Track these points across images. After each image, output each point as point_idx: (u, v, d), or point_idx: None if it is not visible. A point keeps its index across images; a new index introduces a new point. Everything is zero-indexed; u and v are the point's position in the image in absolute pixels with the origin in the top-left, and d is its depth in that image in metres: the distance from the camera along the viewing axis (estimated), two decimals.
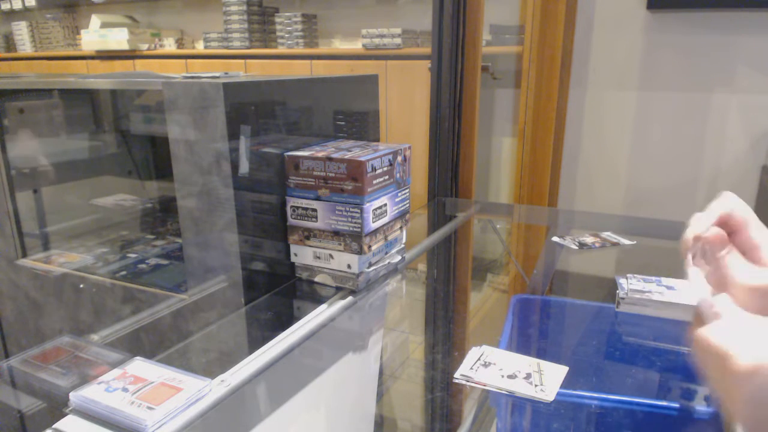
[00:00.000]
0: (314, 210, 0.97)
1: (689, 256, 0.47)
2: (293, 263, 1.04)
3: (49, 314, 1.27)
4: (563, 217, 1.80)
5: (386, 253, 1.04)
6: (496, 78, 2.51)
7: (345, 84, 1.19)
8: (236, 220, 0.91)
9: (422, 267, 1.30)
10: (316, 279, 1.02)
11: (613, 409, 0.75)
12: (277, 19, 3.06)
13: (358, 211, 0.92)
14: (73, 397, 0.66)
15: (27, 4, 4.05)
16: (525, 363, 0.81)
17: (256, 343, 0.83)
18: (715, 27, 2.05)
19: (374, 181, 0.94)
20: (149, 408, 0.63)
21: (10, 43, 4.37)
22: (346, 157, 0.92)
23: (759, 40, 1.99)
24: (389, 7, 2.95)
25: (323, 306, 0.94)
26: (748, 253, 0.47)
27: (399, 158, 1.01)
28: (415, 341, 1.08)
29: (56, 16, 4.11)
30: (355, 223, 0.93)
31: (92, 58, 3.64)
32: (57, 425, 0.63)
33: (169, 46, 3.49)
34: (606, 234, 1.39)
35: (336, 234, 0.96)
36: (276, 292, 1.01)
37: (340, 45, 3.18)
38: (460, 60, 1.65)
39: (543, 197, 2.19)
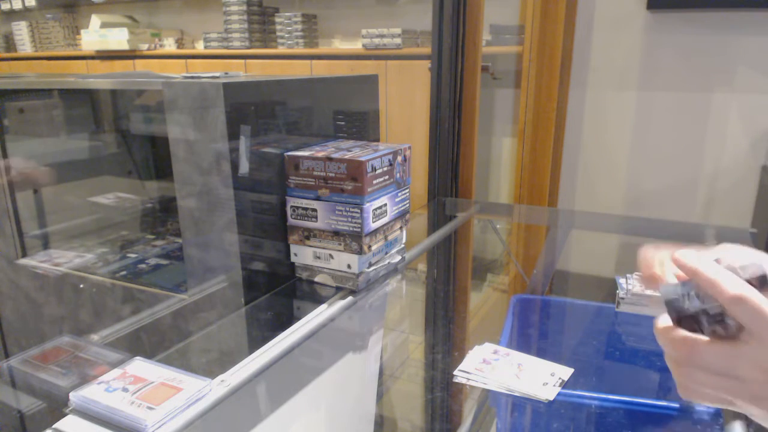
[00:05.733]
0: (314, 210, 0.96)
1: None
2: (293, 263, 1.04)
3: (49, 314, 1.27)
4: (563, 217, 1.80)
5: (386, 253, 1.04)
6: (496, 78, 2.51)
7: (345, 84, 1.18)
8: (236, 220, 0.91)
9: (422, 267, 1.30)
10: (316, 279, 1.02)
11: (613, 409, 0.75)
12: (277, 19, 3.06)
13: (358, 211, 0.92)
14: (73, 397, 0.66)
15: (27, 4, 4.05)
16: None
17: (256, 343, 0.83)
18: (715, 27, 2.04)
19: (374, 181, 0.94)
20: (149, 408, 0.63)
21: (10, 43, 4.36)
22: (346, 157, 0.92)
23: (759, 40, 1.99)
24: (389, 7, 2.95)
25: (323, 306, 0.94)
26: None
27: (399, 158, 1.01)
28: (415, 341, 1.08)
29: (56, 16, 4.10)
30: (355, 223, 0.93)
31: (92, 58, 3.63)
32: (57, 425, 0.63)
33: (169, 46, 3.49)
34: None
35: (336, 234, 0.96)
36: (276, 292, 1.01)
37: (340, 45, 3.18)
38: (460, 60, 1.65)
39: (543, 197, 2.19)
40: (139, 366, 0.72)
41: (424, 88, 2.36)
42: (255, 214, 0.95)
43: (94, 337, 1.07)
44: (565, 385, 0.76)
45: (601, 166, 2.37)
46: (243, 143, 0.91)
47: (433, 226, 1.52)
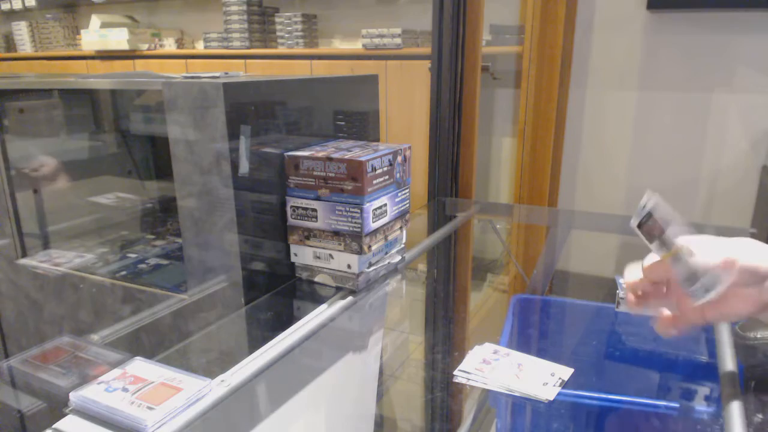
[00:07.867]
0: (314, 210, 0.97)
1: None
2: (293, 263, 1.04)
3: (49, 314, 1.27)
4: (563, 217, 1.80)
5: (386, 253, 1.04)
6: (496, 78, 2.51)
7: (345, 84, 1.19)
8: (236, 220, 0.91)
9: (422, 267, 1.30)
10: (316, 279, 1.02)
11: (613, 409, 0.75)
12: (277, 19, 3.06)
13: (358, 211, 0.92)
14: (73, 397, 0.66)
15: (27, 4, 4.05)
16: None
17: (256, 343, 0.83)
18: (715, 27, 2.05)
19: (374, 181, 0.94)
20: (149, 408, 0.63)
21: (10, 43, 4.37)
22: (346, 157, 0.92)
23: (759, 40, 1.99)
24: (389, 7, 2.95)
25: (323, 306, 0.94)
26: None
27: (399, 158, 1.01)
28: (415, 341, 1.08)
29: (56, 16, 4.11)
30: (355, 223, 0.93)
31: (92, 58, 3.64)
32: (57, 425, 0.63)
33: (169, 46, 3.49)
34: None
35: (336, 234, 0.96)
36: (276, 292, 1.01)
37: (340, 45, 3.18)
38: (460, 60, 1.65)
39: (543, 197, 2.19)
40: (139, 366, 0.72)
41: (424, 88, 2.36)
42: (255, 214, 0.95)
43: (94, 337, 1.07)
44: (565, 385, 0.76)
45: (601, 166, 2.37)
46: (243, 143, 0.91)
47: (433, 226, 1.52)
